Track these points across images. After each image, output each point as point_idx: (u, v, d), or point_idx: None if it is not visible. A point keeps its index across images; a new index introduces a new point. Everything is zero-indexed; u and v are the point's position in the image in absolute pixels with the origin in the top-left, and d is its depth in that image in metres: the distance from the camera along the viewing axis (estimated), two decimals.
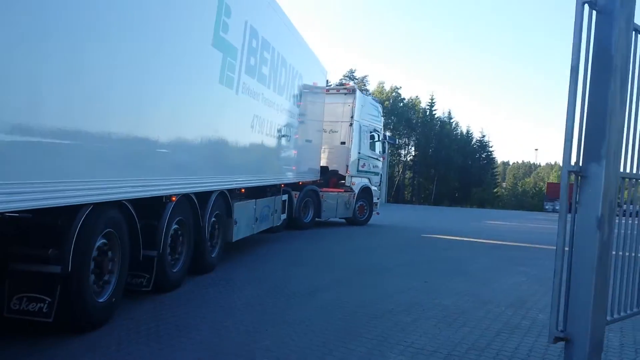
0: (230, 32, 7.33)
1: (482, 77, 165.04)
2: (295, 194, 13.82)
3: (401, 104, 62.61)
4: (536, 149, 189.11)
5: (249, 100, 8.59)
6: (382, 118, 18.30)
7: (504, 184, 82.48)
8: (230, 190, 8.33)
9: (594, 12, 3.34)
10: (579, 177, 3.37)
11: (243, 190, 9.16)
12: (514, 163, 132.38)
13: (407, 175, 61.57)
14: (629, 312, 3.87)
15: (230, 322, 5.31)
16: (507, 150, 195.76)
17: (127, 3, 4.92)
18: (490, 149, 64.00)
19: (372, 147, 17.03)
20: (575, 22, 3.33)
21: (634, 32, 3.52)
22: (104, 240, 4.99)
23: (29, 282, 4.34)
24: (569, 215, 3.40)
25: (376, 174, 17.54)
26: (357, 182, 16.30)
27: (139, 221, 5.51)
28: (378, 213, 17.97)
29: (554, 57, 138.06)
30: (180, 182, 6.38)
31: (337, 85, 15.79)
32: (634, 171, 3.82)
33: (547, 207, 42.12)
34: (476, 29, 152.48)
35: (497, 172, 69.52)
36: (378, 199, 17.83)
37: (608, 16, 3.31)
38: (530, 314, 6.28)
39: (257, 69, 8.80)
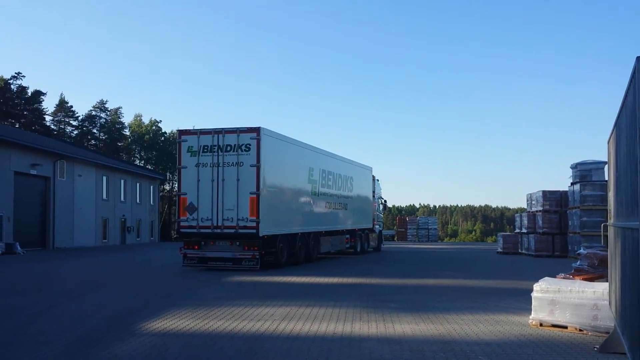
0: (313, 176, 21.00)
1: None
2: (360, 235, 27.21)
3: (162, 138, 65.47)
4: None
5: (324, 196, 22.10)
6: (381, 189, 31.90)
7: None
8: (318, 232, 21.70)
9: None
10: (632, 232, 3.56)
11: (324, 232, 22.44)
12: None
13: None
14: None
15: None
16: None
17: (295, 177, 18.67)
18: None
19: (379, 208, 30.78)
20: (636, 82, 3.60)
21: None
22: (282, 244, 18.50)
23: (248, 258, 17.66)
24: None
25: (382, 223, 32.05)
26: (377, 228, 30.05)
27: (288, 240, 19.07)
28: (384, 245, 32.85)
29: None
30: (301, 228, 19.92)
31: None
32: None
33: None
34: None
35: None
36: (384, 237, 32.23)
37: None
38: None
39: (326, 183, 22.34)
